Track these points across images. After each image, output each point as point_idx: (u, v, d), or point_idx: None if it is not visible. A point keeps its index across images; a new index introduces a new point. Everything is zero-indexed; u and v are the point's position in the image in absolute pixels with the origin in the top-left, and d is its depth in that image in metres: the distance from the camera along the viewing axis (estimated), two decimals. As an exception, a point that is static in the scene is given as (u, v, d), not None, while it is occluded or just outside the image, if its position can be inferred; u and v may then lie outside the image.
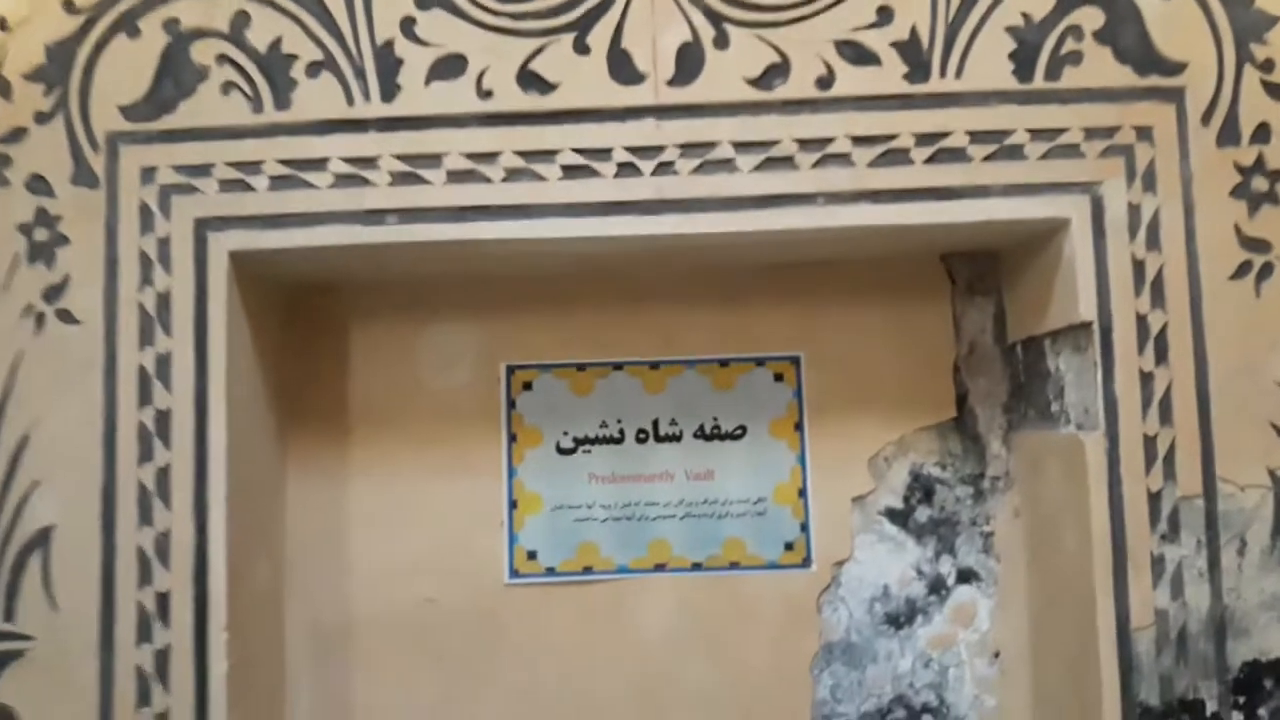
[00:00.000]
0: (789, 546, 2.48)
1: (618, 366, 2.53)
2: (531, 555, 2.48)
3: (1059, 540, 2.22)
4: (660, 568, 2.47)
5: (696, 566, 2.47)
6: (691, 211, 2.07)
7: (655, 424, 2.52)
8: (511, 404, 2.51)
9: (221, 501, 2.06)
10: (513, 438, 2.52)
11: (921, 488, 2.51)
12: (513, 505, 2.48)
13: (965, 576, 2.50)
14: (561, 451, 2.52)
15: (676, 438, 2.52)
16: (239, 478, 2.13)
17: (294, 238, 2.08)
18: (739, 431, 2.51)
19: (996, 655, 2.45)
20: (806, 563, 2.48)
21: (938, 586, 2.49)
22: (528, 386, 2.53)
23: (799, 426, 2.50)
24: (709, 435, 2.51)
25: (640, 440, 2.52)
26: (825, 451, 2.49)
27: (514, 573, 2.46)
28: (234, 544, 2.08)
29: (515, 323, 2.53)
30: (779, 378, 2.52)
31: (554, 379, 2.53)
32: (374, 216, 2.06)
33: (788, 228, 2.08)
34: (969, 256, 2.53)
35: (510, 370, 2.52)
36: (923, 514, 2.51)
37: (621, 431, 2.51)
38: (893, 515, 2.51)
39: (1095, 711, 2.02)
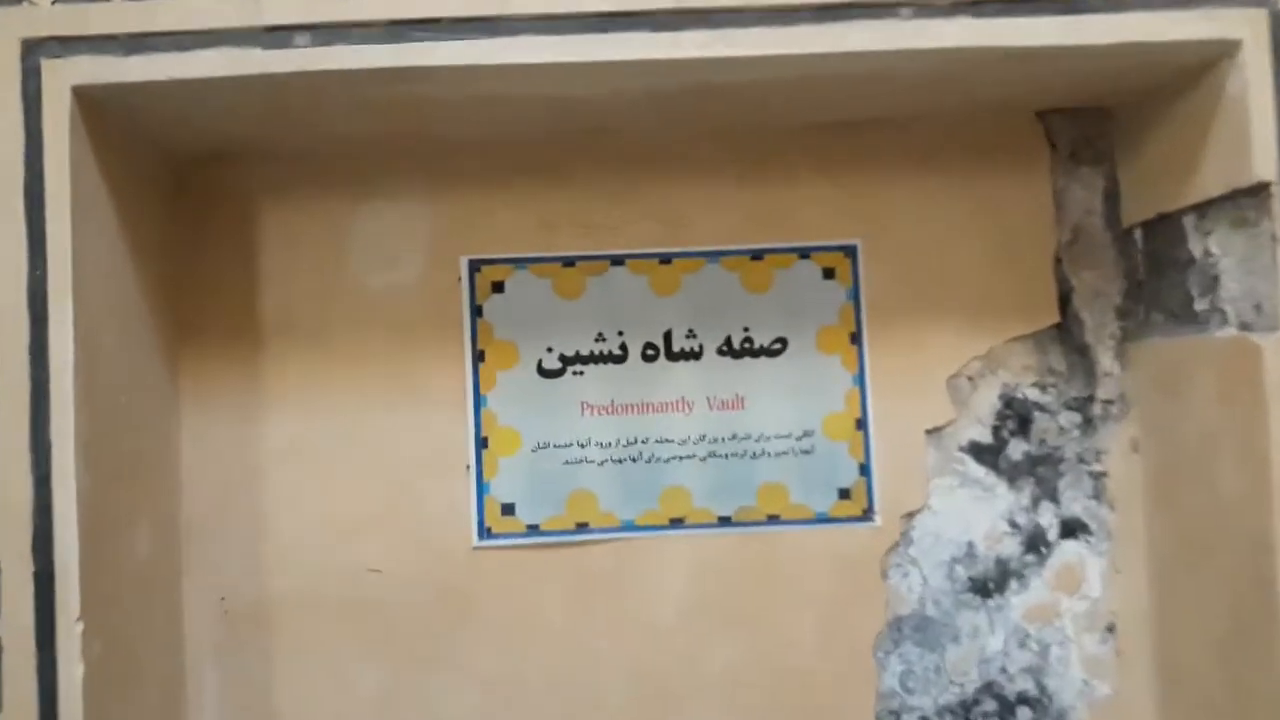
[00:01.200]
0: (844, 494, 2.18)
1: (617, 261, 2.20)
2: (507, 510, 2.17)
3: (1209, 479, 1.91)
4: (677, 524, 2.18)
5: (724, 521, 2.18)
6: (723, 26, 1.66)
7: (667, 337, 2.19)
8: (477, 311, 2.18)
9: (69, 442, 1.64)
10: (479, 356, 2.17)
11: (1015, 416, 2.20)
12: (481, 444, 2.16)
13: (1071, 529, 2.20)
14: (544, 373, 2.18)
15: (695, 354, 2.19)
16: (101, 410, 1.75)
17: (164, 66, 1.65)
18: (777, 345, 2.19)
19: (1110, 630, 2.16)
20: (868, 515, 2.18)
21: (1036, 543, 2.19)
22: (498, 288, 2.19)
23: (856, 338, 2.19)
24: (738, 351, 2.18)
25: (648, 358, 2.19)
26: (890, 370, 2.19)
27: (484, 532, 2.15)
28: (93, 502, 1.70)
29: (480, 201, 2.20)
30: (829, 274, 2.20)
31: (532, 277, 2.19)
32: (277, 36, 1.65)
33: (858, 49, 1.70)
34: (1073, 115, 2.21)
35: (474, 266, 2.18)
36: (1016, 450, 2.20)
37: (624, 347, 2.18)
38: (978, 452, 2.20)
39: (1265, 704, 1.72)
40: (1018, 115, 2.18)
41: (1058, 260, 2.18)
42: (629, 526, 2.16)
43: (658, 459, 2.16)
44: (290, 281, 2.17)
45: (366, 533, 2.14)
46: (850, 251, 2.19)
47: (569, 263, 2.18)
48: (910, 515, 2.19)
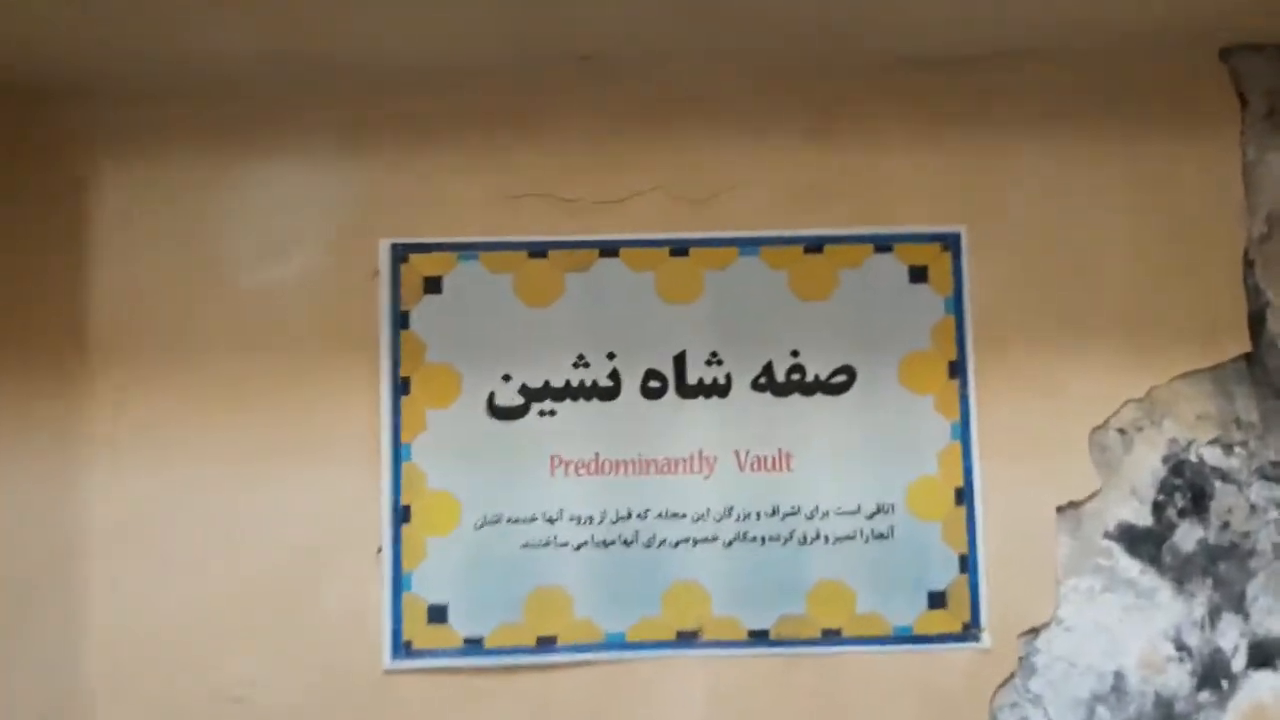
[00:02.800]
0: (937, 600, 1.80)
1: (609, 249, 1.81)
2: (437, 615, 1.77)
3: None
4: (687, 640, 1.79)
5: (757, 638, 1.79)
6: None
7: (680, 362, 1.80)
8: (400, 320, 1.80)
9: None
10: (401, 386, 1.80)
11: (1186, 487, 1.84)
12: (400, 516, 1.78)
13: (1266, 655, 1.80)
14: (498, 413, 1.81)
15: (721, 388, 1.80)
16: None
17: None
18: (840, 378, 1.81)
19: (1325, 806, 1.82)
20: (970, 632, 1.79)
21: (1215, 674, 1.80)
22: (433, 286, 1.81)
23: (958, 369, 1.82)
24: (783, 385, 1.80)
25: (651, 393, 1.80)
26: (1007, 418, 1.83)
27: (402, 648, 1.76)
28: None
29: (411, 160, 1.86)
30: (919, 275, 1.82)
31: (484, 272, 1.81)
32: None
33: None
34: (1275, 55, 1.86)
35: (399, 253, 1.81)
36: (1188, 538, 1.83)
37: (615, 376, 1.80)
38: (1132, 540, 1.83)
39: None
40: (1195, 52, 1.83)
41: (1248, 263, 1.82)
42: (617, 643, 1.79)
43: (662, 542, 1.79)
44: (133, 276, 1.82)
45: (230, 644, 1.79)
46: (951, 243, 1.82)
47: (538, 251, 1.81)
48: (1032, 633, 1.84)
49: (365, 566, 1.77)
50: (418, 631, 1.75)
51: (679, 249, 1.81)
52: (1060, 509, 1.80)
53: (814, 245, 1.80)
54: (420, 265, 1.79)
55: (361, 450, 1.78)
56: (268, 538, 1.78)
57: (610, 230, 1.81)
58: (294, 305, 1.81)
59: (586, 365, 1.78)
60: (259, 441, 1.79)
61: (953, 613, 1.78)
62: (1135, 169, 1.82)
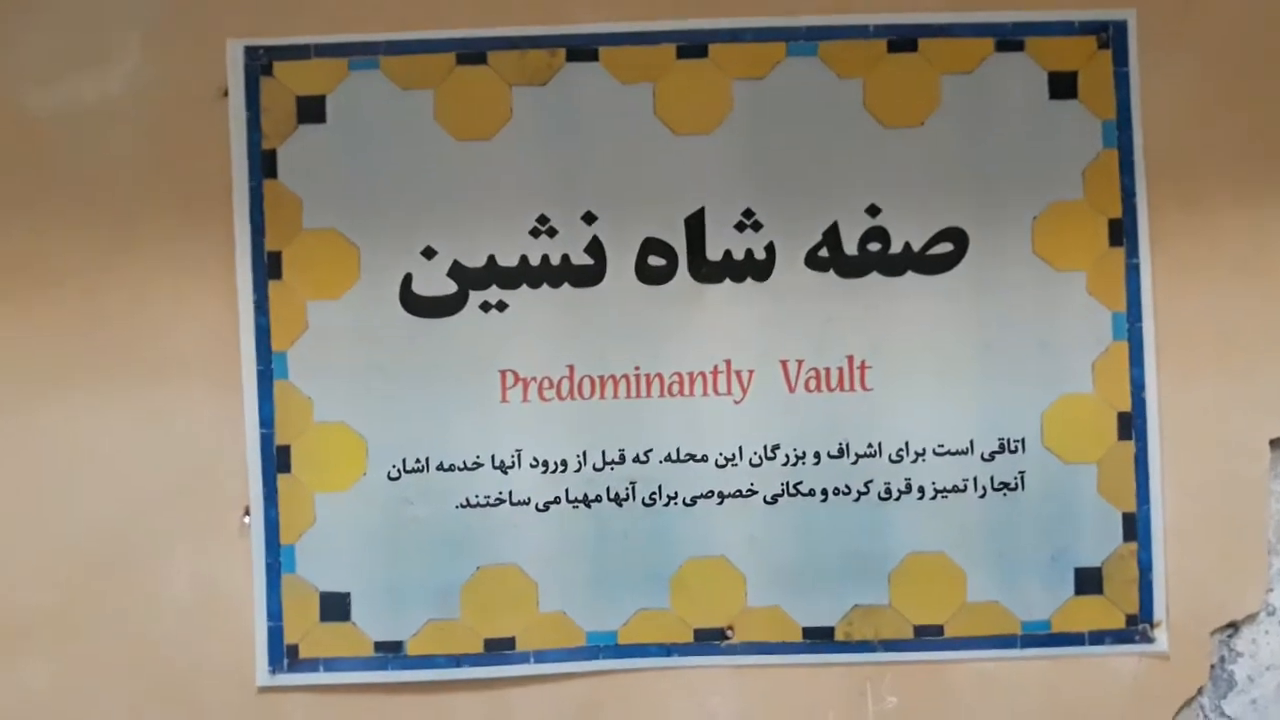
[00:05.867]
0: (1089, 582, 1.34)
1: (581, 47, 1.30)
2: (333, 607, 1.33)
3: None
4: (708, 642, 1.34)
5: (816, 640, 1.33)
6: None
7: (695, 225, 1.30)
8: (264, 164, 1.31)
9: None
10: (270, 265, 1.31)
11: None
12: (274, 460, 1.32)
13: None
14: (417, 305, 1.31)
15: (758, 266, 1.31)
16: None
17: None
18: (944, 247, 1.31)
19: None
20: (1139, 628, 1.34)
21: None
22: (311, 110, 1.30)
23: (1124, 230, 1.32)
24: (854, 259, 1.30)
25: (652, 274, 1.31)
26: (1198, 308, 1.37)
27: (282, 656, 1.32)
28: None
29: None
30: (1064, 86, 1.31)
31: (387, 85, 1.31)
32: None
33: None
34: None
35: (259, 59, 1.31)
36: None
37: (596, 248, 1.31)
38: None
39: None
40: None
41: None
42: (604, 647, 1.32)
43: (671, 499, 1.33)
44: None
45: (22, 645, 1.36)
46: (1113, 36, 1.30)
47: (473, 52, 1.30)
48: (1231, 629, 1.38)
49: (225, 537, 1.35)
50: (306, 632, 1.32)
51: (692, 46, 1.31)
52: (1276, 443, 1.37)
53: (903, 39, 1.31)
54: (292, 79, 1.30)
55: (212, 363, 1.34)
56: (76, 495, 1.36)
57: (583, 19, 1.34)
58: (104, 144, 1.34)
59: (552, 233, 1.30)
60: (57, 352, 1.35)
61: (1113, 600, 1.35)
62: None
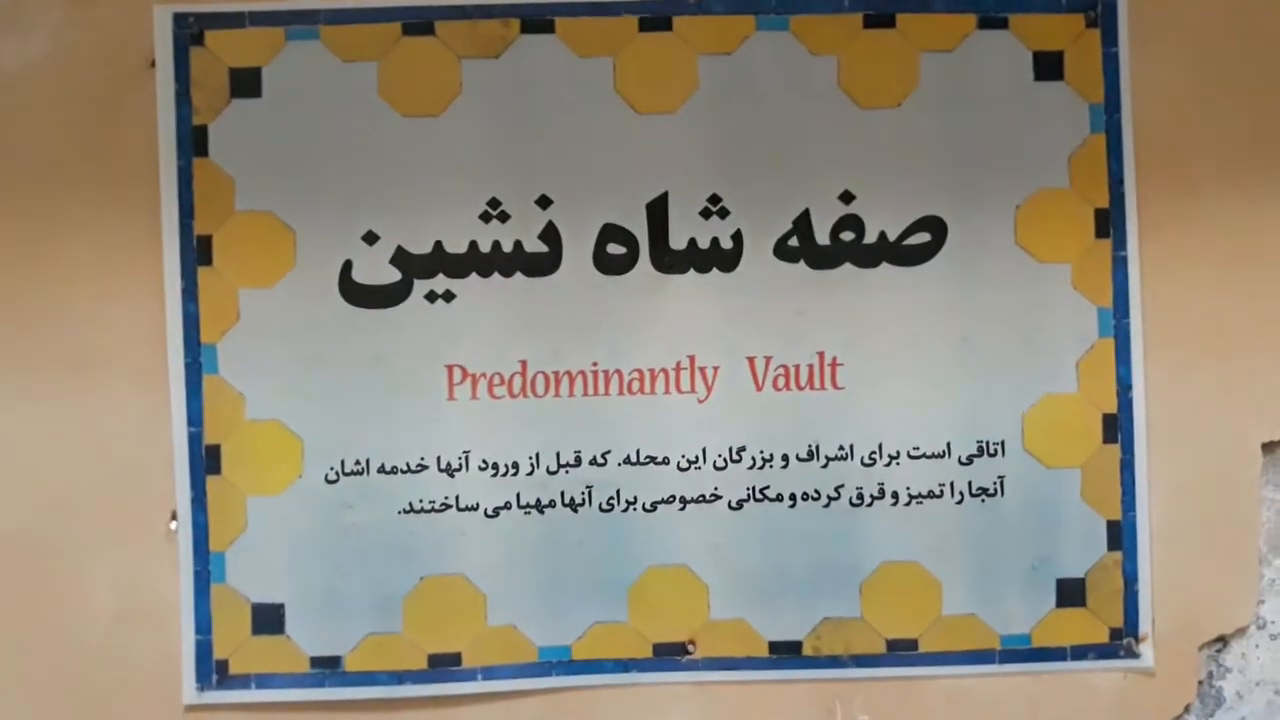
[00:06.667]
0: (1071, 594, 1.30)
1: (536, 19, 1.24)
2: (266, 620, 1.26)
3: None
4: (668, 658, 1.28)
5: (783, 654, 1.27)
6: None
7: (657, 210, 1.24)
8: (193, 141, 1.23)
9: None
10: (199, 252, 1.23)
11: None
12: (203, 461, 1.25)
13: None
14: (358, 294, 1.25)
15: (724, 255, 1.25)
16: None
17: None
18: (921, 236, 1.26)
19: None
20: (1123, 642, 1.29)
21: None
22: (245, 84, 1.23)
23: (1112, 220, 1.27)
24: (827, 248, 1.25)
25: (610, 262, 1.25)
26: (1189, 303, 1.32)
27: (211, 672, 1.24)
28: None
29: None
30: (1049, 66, 1.26)
31: (327, 57, 1.23)
32: None
33: None
34: None
35: (188, 28, 1.23)
36: None
37: (551, 234, 1.24)
38: None
39: None
40: None
41: None
42: (557, 663, 1.26)
43: (629, 504, 1.26)
44: None
45: None
46: (1101, 13, 1.25)
47: (418, 22, 1.22)
48: (1220, 644, 1.33)
49: (150, 544, 1.27)
50: (238, 646, 1.24)
51: (655, 18, 1.23)
52: (1269, 447, 1.33)
53: (880, 14, 1.24)
54: (224, 49, 1.21)
55: (136, 356, 1.25)
56: None
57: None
58: (20, 117, 1.25)
59: (504, 217, 1.22)
60: None
61: (1096, 613, 1.30)
62: None
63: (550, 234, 1.19)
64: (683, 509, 1.23)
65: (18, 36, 1.25)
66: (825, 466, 1.25)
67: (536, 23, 1.19)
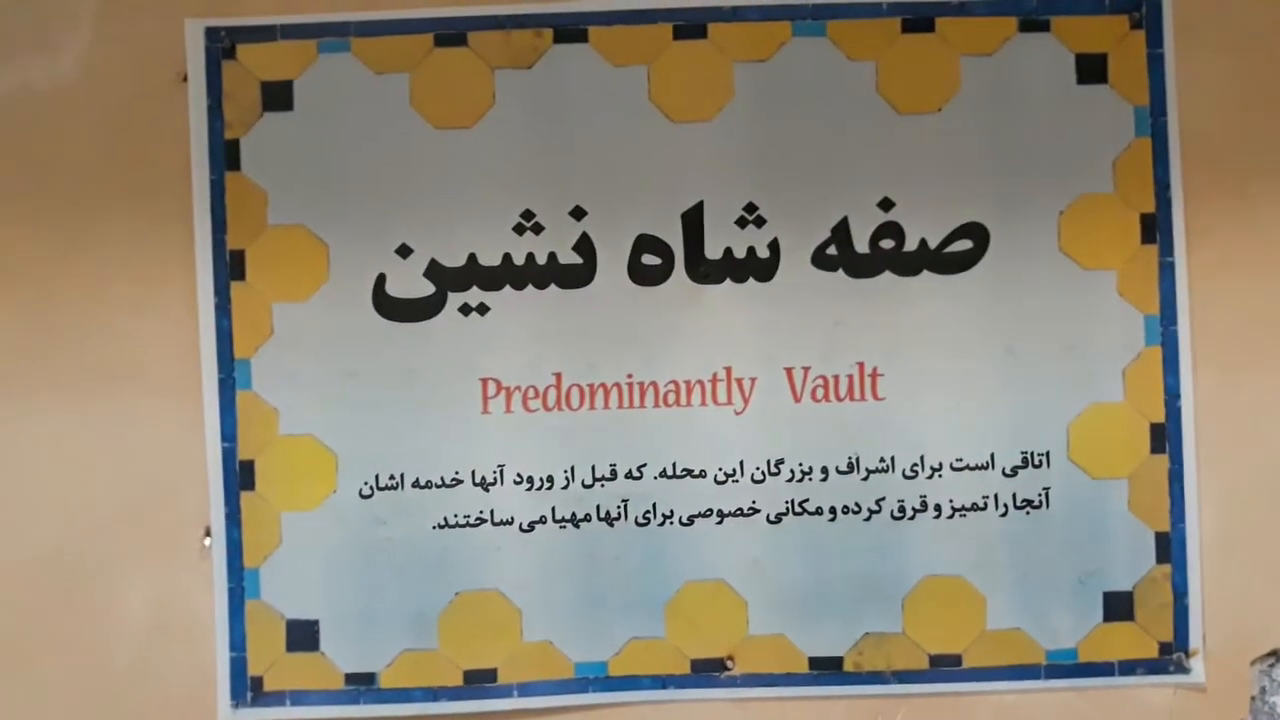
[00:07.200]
0: (1119, 607, 1.27)
1: (569, 29, 1.23)
2: (301, 636, 1.25)
3: None
4: (707, 674, 1.26)
5: (824, 670, 1.25)
6: None
7: (693, 220, 1.22)
8: (226, 155, 1.23)
9: None
10: (232, 266, 1.23)
11: None
12: (237, 477, 1.24)
13: None
14: (392, 308, 1.24)
15: (761, 265, 1.23)
16: None
17: None
18: (963, 244, 1.23)
19: None
20: (1173, 657, 1.26)
21: None
22: (278, 97, 1.23)
23: (1158, 226, 1.24)
24: (866, 256, 1.23)
25: (645, 272, 1.23)
26: (1238, 310, 1.29)
27: (246, 689, 1.24)
28: None
29: None
30: (1093, 69, 1.23)
31: (359, 69, 1.23)
32: None
33: None
34: None
35: (220, 42, 1.24)
36: None
37: (586, 245, 1.23)
38: None
39: None
40: None
41: None
42: (594, 679, 1.24)
43: (666, 518, 1.24)
44: None
45: None
46: (1146, 16, 1.22)
47: (452, 33, 1.22)
48: (1272, 659, 1.30)
49: (185, 559, 1.27)
50: (272, 663, 1.24)
51: (690, 26, 1.22)
52: None
53: (919, 18, 1.23)
54: (256, 63, 1.22)
55: (170, 371, 1.26)
56: (23, 513, 1.27)
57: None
58: (54, 133, 1.26)
59: (538, 229, 1.22)
60: (3, 357, 1.26)
61: (1145, 627, 1.27)
62: None
63: (584, 245, 1.18)
64: (720, 523, 1.21)
65: (46, 55, 1.28)
66: (866, 479, 1.24)
67: (570, 32, 1.18)
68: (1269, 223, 1.31)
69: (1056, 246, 1.21)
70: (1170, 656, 1.26)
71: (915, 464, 1.23)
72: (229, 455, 1.20)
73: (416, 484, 1.23)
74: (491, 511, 1.23)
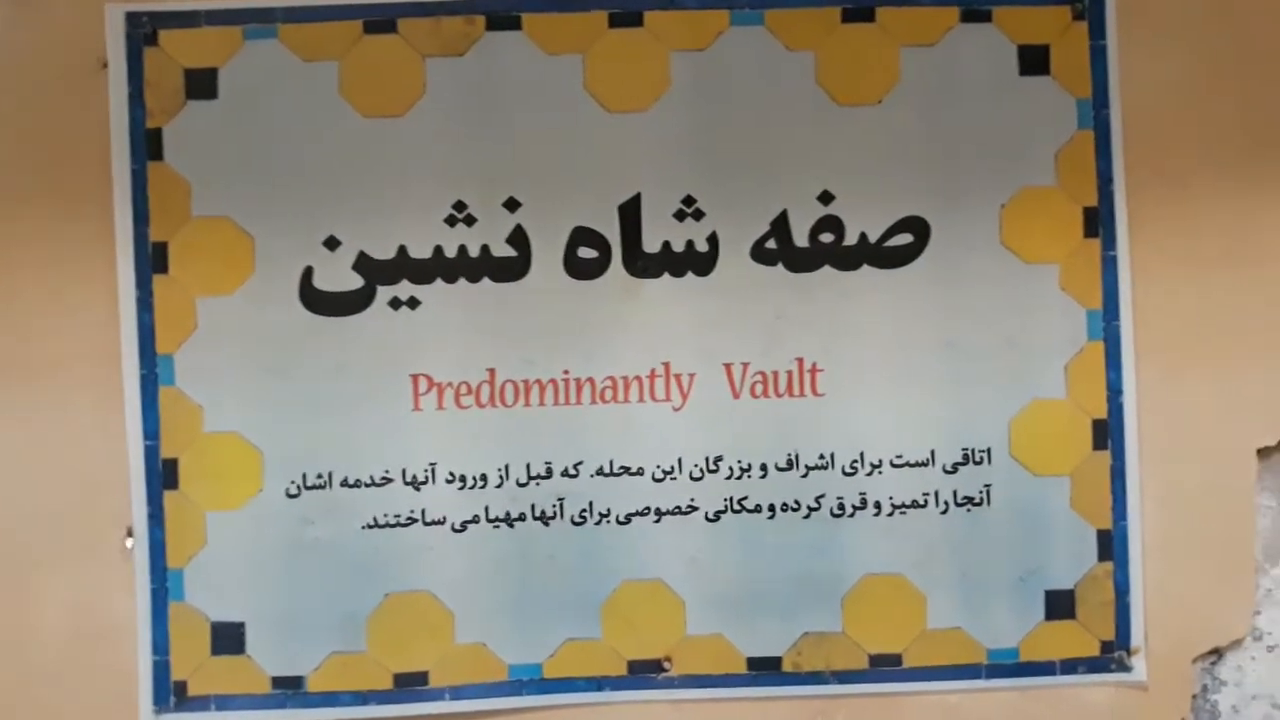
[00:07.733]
0: (1060, 606, 1.27)
1: (502, 16, 1.20)
2: (226, 639, 1.22)
3: None
4: (644, 676, 1.24)
5: (763, 671, 1.24)
6: None
7: (630, 211, 1.21)
8: (148, 144, 1.20)
9: None
10: (154, 258, 1.20)
11: None
12: (160, 475, 1.21)
13: None
14: (319, 301, 1.21)
15: (699, 259, 1.22)
16: None
17: None
18: (903, 238, 1.23)
19: None
20: (1114, 656, 1.26)
21: None
22: (202, 85, 1.20)
23: (1101, 219, 1.24)
24: (806, 250, 1.22)
25: (582, 267, 1.22)
26: (1181, 304, 1.29)
27: (168, 694, 1.21)
28: None
29: None
30: (1035, 60, 1.24)
31: (286, 56, 1.20)
32: None
33: None
34: None
35: (142, 27, 1.20)
36: None
37: (520, 238, 1.21)
38: None
39: None
40: None
41: None
42: (529, 681, 1.22)
43: (603, 517, 1.22)
44: None
45: None
46: (1089, 5, 1.22)
47: (381, 20, 1.18)
48: (1214, 656, 1.30)
49: (106, 560, 1.24)
50: (197, 667, 1.21)
51: (626, 14, 1.20)
52: (1265, 453, 1.29)
53: (859, 7, 1.21)
54: (179, 49, 1.18)
55: (91, 367, 1.22)
56: None
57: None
58: None
59: (470, 221, 1.19)
60: None
61: (1086, 625, 1.26)
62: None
63: (519, 237, 1.16)
64: (658, 521, 1.19)
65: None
66: (805, 476, 1.22)
67: (503, 19, 1.16)
68: (1214, 216, 1.30)
69: (998, 240, 1.21)
70: (1112, 655, 1.26)
71: (855, 460, 1.22)
72: (151, 453, 1.17)
73: (345, 483, 1.19)
74: (423, 511, 1.21)
